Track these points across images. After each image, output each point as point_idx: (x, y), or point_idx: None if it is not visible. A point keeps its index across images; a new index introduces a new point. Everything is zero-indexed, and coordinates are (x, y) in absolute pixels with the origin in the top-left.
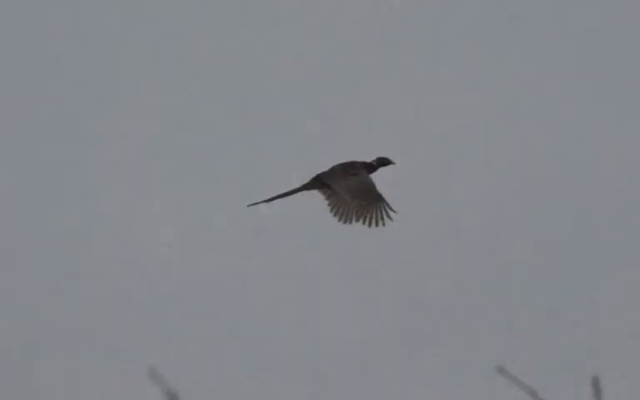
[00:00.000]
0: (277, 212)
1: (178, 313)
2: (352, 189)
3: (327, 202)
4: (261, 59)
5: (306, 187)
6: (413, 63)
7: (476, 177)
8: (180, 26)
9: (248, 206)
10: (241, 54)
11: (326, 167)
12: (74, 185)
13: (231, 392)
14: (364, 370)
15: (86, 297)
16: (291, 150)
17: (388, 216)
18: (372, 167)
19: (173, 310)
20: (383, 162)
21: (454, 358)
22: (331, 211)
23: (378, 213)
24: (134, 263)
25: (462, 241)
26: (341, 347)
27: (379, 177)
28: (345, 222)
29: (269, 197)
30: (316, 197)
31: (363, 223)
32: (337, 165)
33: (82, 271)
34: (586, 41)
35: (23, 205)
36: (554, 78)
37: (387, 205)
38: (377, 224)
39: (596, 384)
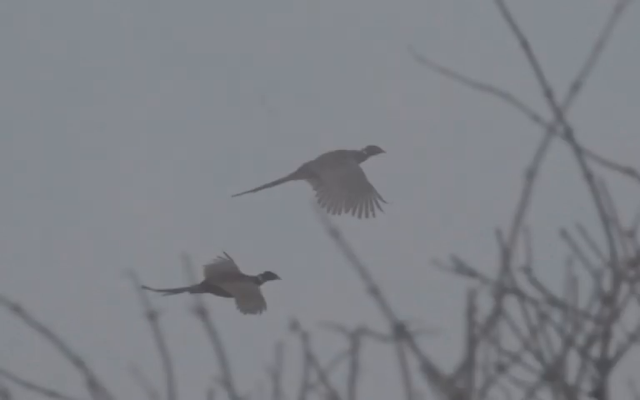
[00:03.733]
0: (277, 210)
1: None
2: (340, 179)
3: (314, 193)
4: (261, 59)
5: (293, 176)
6: (413, 63)
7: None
8: (180, 26)
9: (233, 196)
10: (241, 54)
11: (314, 157)
12: (74, 185)
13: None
14: (364, 370)
15: (86, 296)
16: (291, 150)
17: (379, 206)
18: (361, 155)
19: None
20: (373, 150)
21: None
22: (319, 202)
23: (368, 204)
24: (133, 263)
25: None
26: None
27: (371, 168)
28: (334, 214)
29: (255, 187)
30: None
31: (353, 214)
32: (325, 154)
33: (82, 270)
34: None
35: (23, 205)
36: (554, 78)
37: (378, 195)
38: (366, 215)
39: None
